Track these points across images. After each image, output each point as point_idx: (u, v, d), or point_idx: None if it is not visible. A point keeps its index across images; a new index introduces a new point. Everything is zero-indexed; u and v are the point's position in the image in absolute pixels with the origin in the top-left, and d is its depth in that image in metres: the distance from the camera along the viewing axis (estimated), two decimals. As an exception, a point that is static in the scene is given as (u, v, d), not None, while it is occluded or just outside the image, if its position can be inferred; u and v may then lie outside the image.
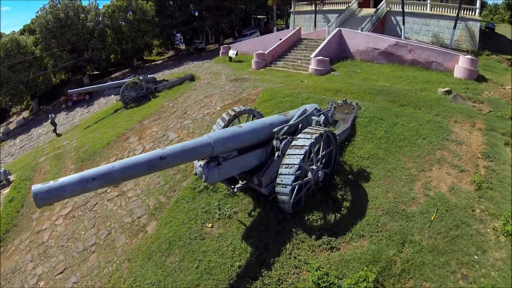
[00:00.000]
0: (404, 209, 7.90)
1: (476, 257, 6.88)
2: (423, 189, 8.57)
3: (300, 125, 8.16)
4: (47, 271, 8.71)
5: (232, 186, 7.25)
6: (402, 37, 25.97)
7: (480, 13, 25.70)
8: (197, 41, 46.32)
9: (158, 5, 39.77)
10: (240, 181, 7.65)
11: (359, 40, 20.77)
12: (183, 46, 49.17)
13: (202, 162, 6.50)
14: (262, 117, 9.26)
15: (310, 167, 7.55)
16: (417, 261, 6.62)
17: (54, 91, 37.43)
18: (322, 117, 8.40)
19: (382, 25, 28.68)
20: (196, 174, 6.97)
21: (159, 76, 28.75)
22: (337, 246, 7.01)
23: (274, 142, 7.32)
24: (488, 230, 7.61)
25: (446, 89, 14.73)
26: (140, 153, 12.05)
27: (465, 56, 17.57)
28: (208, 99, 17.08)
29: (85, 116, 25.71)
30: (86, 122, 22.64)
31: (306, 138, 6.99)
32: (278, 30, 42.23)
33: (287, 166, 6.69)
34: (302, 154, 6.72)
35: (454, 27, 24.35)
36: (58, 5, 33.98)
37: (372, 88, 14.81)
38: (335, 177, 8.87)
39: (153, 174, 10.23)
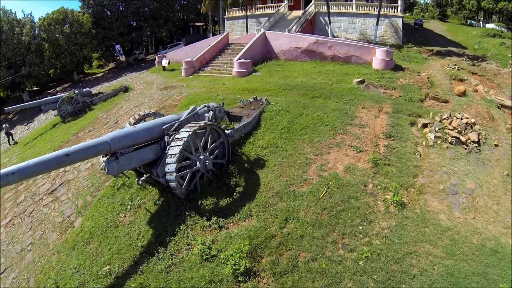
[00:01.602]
0: (294, 190, 8.37)
1: (360, 227, 7.36)
2: (317, 171, 9.05)
3: (190, 120, 8.86)
4: (-10, 273, 9.47)
5: (137, 179, 8.53)
6: (330, 35, 27.63)
7: (403, 10, 28.10)
8: (137, 52, 47.03)
9: (95, 17, 39.75)
10: (144, 174, 8.73)
11: (282, 40, 21.78)
12: (123, 58, 49.46)
13: (105, 157, 7.67)
14: None
15: (199, 157, 8.26)
16: (297, 234, 7.15)
17: None
18: (211, 113, 9.19)
19: (311, 25, 30.31)
20: (102, 169, 8.10)
21: (96, 89, 29.01)
22: (226, 226, 7.75)
23: (166, 137, 8.27)
24: (378, 202, 8.18)
25: (359, 79, 15.80)
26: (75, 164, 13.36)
27: (381, 48, 19.00)
28: (137, 108, 18.07)
29: (25, 133, 26.15)
30: (26, 138, 23.30)
31: (186, 131, 7.87)
32: (214, 35, 43.33)
33: (171, 156, 7.65)
34: (181, 145, 7.57)
35: (377, 23, 26.42)
36: None
37: (288, 84, 15.57)
38: (231, 166, 9.16)
39: (82, 178, 12.37)
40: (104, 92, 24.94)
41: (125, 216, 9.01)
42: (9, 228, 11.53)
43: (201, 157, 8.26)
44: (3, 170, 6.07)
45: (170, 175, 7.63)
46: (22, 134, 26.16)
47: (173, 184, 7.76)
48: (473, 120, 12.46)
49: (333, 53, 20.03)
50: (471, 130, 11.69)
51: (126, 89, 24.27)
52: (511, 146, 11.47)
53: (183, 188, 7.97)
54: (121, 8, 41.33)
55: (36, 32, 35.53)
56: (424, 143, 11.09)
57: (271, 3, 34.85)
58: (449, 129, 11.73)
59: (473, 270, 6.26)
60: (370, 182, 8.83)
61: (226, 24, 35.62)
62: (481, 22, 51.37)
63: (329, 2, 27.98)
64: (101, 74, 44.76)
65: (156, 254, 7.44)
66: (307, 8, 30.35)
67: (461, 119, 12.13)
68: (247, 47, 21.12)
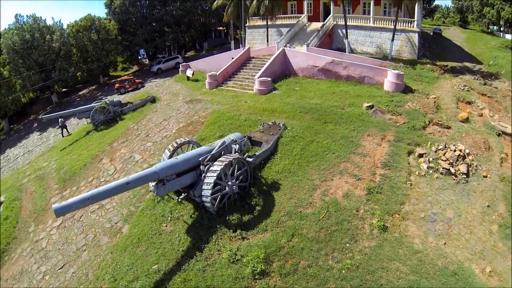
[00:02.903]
0: (300, 211, 10.96)
1: (347, 245, 9.90)
2: (321, 196, 11.57)
3: (222, 153, 11.60)
4: (50, 268, 12.02)
5: (177, 197, 11.44)
6: (347, 49, 29.69)
7: (420, 25, 29.80)
8: (160, 56, 50.45)
9: (120, 24, 43.01)
10: (183, 193, 11.53)
11: (300, 58, 24.15)
12: (146, 61, 53.34)
13: (153, 183, 10.20)
14: (199, 145, 12.80)
15: (227, 183, 10.87)
16: (299, 247, 9.80)
17: (23, 109, 40.13)
18: (237, 146, 11.85)
19: (329, 38, 32.46)
20: (151, 191, 10.66)
21: (124, 98, 31.57)
22: (247, 237, 10.42)
23: (201, 167, 10.95)
24: (365, 225, 10.64)
25: (369, 104, 18.03)
26: (112, 173, 17.33)
27: (393, 71, 21.00)
28: (166, 121, 20.84)
29: (58, 137, 28.35)
30: (61, 143, 25.53)
31: (219, 165, 10.54)
32: (235, 40, 45.77)
33: (207, 184, 10.31)
34: (215, 176, 10.24)
35: (392, 39, 28.28)
36: (23, 23, 36.27)
37: (304, 106, 17.97)
38: (252, 188, 11.76)
39: None
40: (133, 101, 27.59)
41: (166, 226, 11.60)
42: (61, 230, 13.96)
43: (230, 183, 10.90)
44: (80, 196, 8.62)
45: (205, 198, 10.27)
46: (56, 139, 28.71)
47: (207, 204, 10.40)
48: (467, 151, 14.55)
49: (348, 73, 22.26)
50: (462, 162, 13.81)
51: (153, 100, 26.87)
52: (499, 177, 13.53)
53: (215, 207, 10.60)
54: (145, 15, 44.45)
55: (65, 38, 38.74)
56: (417, 172, 13.35)
57: (291, 13, 37.06)
58: (442, 160, 13.91)
59: (431, 286, 8.67)
60: (362, 208, 11.26)
61: (247, 32, 38.12)
62: (501, 33, 52.09)
63: (346, 15, 29.95)
64: (125, 77, 47.75)
65: (194, 257, 10.04)
66: (325, 21, 32.41)
67: (454, 150, 14.26)
68: (268, 64, 23.57)
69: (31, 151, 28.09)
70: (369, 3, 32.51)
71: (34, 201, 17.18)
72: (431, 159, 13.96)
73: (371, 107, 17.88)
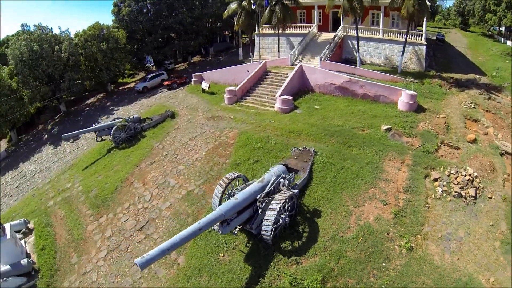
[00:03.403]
0: (342, 236, 13.43)
1: (383, 264, 12.45)
2: (356, 221, 14.09)
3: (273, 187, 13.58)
4: (111, 303, 13.09)
5: (234, 231, 12.73)
6: (358, 62, 32.01)
7: (426, 38, 32.22)
8: (167, 62, 51.87)
9: (129, 31, 44.32)
10: (238, 226, 12.90)
11: (318, 75, 26.46)
12: (152, 66, 55.09)
13: (218, 223, 11.59)
14: (247, 180, 14.79)
15: (281, 216, 13.01)
16: (346, 268, 12.30)
17: (31, 119, 41.16)
18: (286, 182, 13.90)
19: (340, 49, 34.85)
20: (214, 230, 12.09)
21: (136, 105, 33.39)
22: (300, 262, 12.59)
23: (258, 204, 12.86)
24: (395, 246, 13.22)
25: (387, 126, 20.49)
26: (149, 200, 17.83)
27: (407, 91, 23.38)
28: (193, 141, 22.39)
29: (76, 153, 28.91)
30: (82, 161, 26.08)
31: (277, 203, 12.46)
32: (243, 45, 47.74)
33: (267, 221, 12.25)
34: (275, 214, 12.25)
35: (402, 54, 30.72)
36: (30, 29, 37.46)
37: (328, 129, 20.41)
38: (298, 216, 14.15)
39: (166, 217, 16.16)
40: (152, 117, 28.60)
41: (224, 256, 12.99)
42: (110, 261, 14.41)
43: (283, 215, 13.00)
44: (160, 248, 9.47)
45: (265, 232, 12.04)
46: (73, 155, 29.05)
47: (267, 237, 12.16)
48: (475, 174, 17.19)
49: (364, 92, 24.68)
50: (471, 186, 16.46)
51: (173, 115, 28.15)
52: (501, 197, 16.18)
53: (271, 238, 12.54)
54: (154, 22, 45.79)
55: (74, 48, 39.50)
56: (433, 195, 15.96)
57: (300, 22, 39.11)
58: (454, 184, 16.52)
59: (450, 295, 11.39)
60: (391, 231, 13.83)
61: (256, 40, 40.06)
62: (502, 38, 55.11)
63: (358, 26, 32.17)
64: (132, 84, 49.34)
65: (259, 283, 11.74)
66: (336, 32, 34.67)
67: (465, 175, 16.86)
68: (287, 82, 25.76)
69: (48, 168, 28.32)
70: (378, 14, 34.82)
71: (68, 228, 17.53)
72: (444, 183, 16.56)
73: (389, 129, 20.34)
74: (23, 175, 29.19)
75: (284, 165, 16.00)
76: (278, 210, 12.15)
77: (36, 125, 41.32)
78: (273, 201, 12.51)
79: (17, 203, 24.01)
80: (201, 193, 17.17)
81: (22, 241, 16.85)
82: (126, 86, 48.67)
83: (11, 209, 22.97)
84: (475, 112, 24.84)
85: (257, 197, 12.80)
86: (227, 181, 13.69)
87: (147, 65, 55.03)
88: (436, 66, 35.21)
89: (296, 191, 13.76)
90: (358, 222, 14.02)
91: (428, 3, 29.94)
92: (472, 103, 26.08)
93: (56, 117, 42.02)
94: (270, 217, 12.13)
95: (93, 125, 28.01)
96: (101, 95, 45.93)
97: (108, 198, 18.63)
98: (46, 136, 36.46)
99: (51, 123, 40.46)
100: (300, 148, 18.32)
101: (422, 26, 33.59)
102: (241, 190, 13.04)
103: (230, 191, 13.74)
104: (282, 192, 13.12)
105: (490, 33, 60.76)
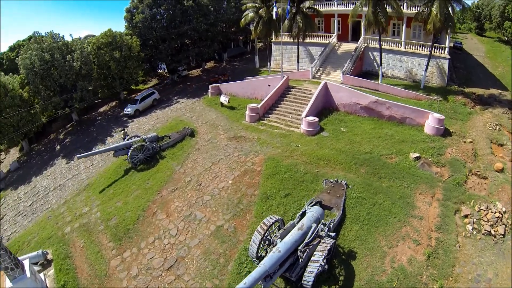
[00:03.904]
0: (377, 279, 14.45)
1: None
2: (390, 262, 15.10)
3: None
4: None
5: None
6: (380, 78, 32.52)
7: (448, 52, 32.65)
8: (180, 69, 52.28)
9: (141, 38, 44.46)
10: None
11: (343, 94, 27.17)
12: (166, 73, 55.35)
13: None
14: (284, 223, 15.43)
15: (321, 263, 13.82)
16: None
17: (43, 128, 41.35)
18: (326, 228, 14.60)
19: (360, 61, 35.39)
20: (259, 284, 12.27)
21: (156, 127, 32.95)
22: None
23: (299, 253, 13.54)
24: (429, 290, 14.10)
25: (416, 155, 21.35)
26: (175, 235, 17.76)
27: (434, 114, 24.00)
28: (217, 166, 22.76)
29: (91, 171, 28.74)
30: (98, 182, 26.08)
31: (319, 255, 13.11)
32: (258, 50, 48.14)
33: (310, 273, 12.86)
34: (318, 266, 12.88)
35: (426, 69, 31.22)
36: (39, 34, 37.72)
37: (357, 157, 21.32)
38: (334, 259, 15.00)
39: (197, 256, 16.24)
40: (170, 134, 28.72)
41: None
42: None
43: (322, 263, 13.44)
44: None
45: (307, 283, 12.45)
46: (88, 172, 28.74)
47: (307, 287, 12.61)
48: (504, 210, 18.05)
49: (390, 114, 25.43)
50: (500, 223, 17.32)
51: (192, 133, 28.14)
52: None
53: (311, 284, 13.17)
54: (168, 29, 45.99)
55: (86, 56, 39.40)
56: (463, 233, 16.87)
57: (319, 30, 39.51)
58: (484, 221, 17.40)
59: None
60: (424, 274, 14.81)
61: (273, 48, 40.56)
62: None
63: (381, 40, 32.63)
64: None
65: None
66: (357, 44, 35.13)
67: (495, 212, 17.72)
68: (312, 101, 26.44)
69: (63, 186, 28.01)
70: (399, 24, 35.24)
71: (89, 261, 17.41)
72: (475, 219, 17.45)
73: (418, 158, 21.15)
74: (36, 192, 29.05)
75: (318, 202, 16.90)
76: (320, 262, 12.85)
77: (48, 134, 41.68)
78: (315, 253, 13.24)
79: (31, 224, 24.02)
80: (231, 229, 17.34)
81: (41, 275, 16.60)
82: (139, 94, 48.76)
83: (26, 231, 23.13)
84: (500, 135, 25.59)
85: (299, 247, 13.50)
86: (265, 227, 13.96)
87: (159, 71, 55.52)
88: (457, 80, 35.80)
89: (333, 234, 14.61)
90: (392, 264, 14.95)
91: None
92: (497, 125, 26.84)
93: (68, 125, 42.43)
94: (313, 269, 12.80)
95: (105, 141, 27.87)
96: (114, 103, 46.30)
97: (130, 230, 18.78)
98: (59, 147, 36.66)
99: (63, 133, 40.91)
100: (331, 180, 19.18)
101: (441, 35, 34.01)
102: (280, 238, 13.64)
103: (266, 235, 14.12)
104: (323, 242, 13.81)
105: (506, 38, 61.02)
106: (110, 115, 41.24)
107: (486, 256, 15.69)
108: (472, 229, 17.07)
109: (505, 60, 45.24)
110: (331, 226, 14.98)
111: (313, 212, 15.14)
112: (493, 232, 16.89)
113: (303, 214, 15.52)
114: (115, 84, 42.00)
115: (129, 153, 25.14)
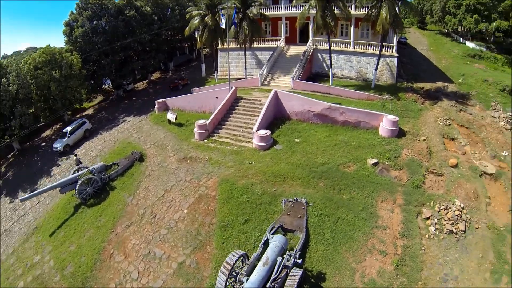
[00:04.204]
0: (349, 298, 14.46)
1: None
2: (360, 278, 15.33)
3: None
4: None
5: None
6: (330, 80, 33.56)
7: (396, 50, 34.45)
8: (126, 83, 51.09)
9: (83, 53, 42.76)
10: None
11: (295, 102, 27.36)
12: (111, 89, 53.81)
13: None
14: (248, 257, 14.94)
15: None
16: None
17: None
18: (292, 259, 14.37)
19: (310, 63, 36.15)
20: None
21: (97, 140, 32.40)
22: None
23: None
24: (400, 299, 14.58)
25: (374, 161, 21.90)
26: (137, 277, 17.16)
27: (388, 117, 24.73)
28: (169, 194, 22.01)
29: (38, 210, 26.98)
30: (46, 223, 24.45)
31: None
32: (205, 57, 48.00)
33: None
34: None
35: (376, 69, 32.65)
36: None
37: (314, 170, 21.40)
38: (304, 286, 14.99)
39: None
40: (118, 161, 27.54)
41: None
42: None
43: None
44: None
45: None
46: (35, 212, 26.91)
47: None
48: (462, 205, 19.13)
49: (344, 119, 25.97)
50: (460, 220, 18.33)
51: (141, 158, 27.23)
52: (487, 226, 18.27)
53: None
54: (110, 42, 44.62)
55: (23, 79, 36.76)
56: (427, 235, 17.61)
57: (266, 34, 40.10)
58: (445, 220, 18.29)
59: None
60: (395, 283, 15.16)
61: (220, 55, 40.45)
62: (460, 38, 60.85)
63: (326, 40, 33.62)
64: (91, 110, 48.27)
65: None
66: (306, 46, 35.94)
67: (454, 210, 18.77)
68: (263, 113, 26.21)
69: (9, 231, 25.95)
70: (348, 25, 36.67)
71: None
72: (436, 220, 18.31)
73: (376, 163, 21.82)
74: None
75: (281, 227, 16.84)
76: None
77: (-16, 170, 38.15)
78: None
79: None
80: (194, 265, 16.91)
81: None
82: (84, 113, 47.57)
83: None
84: (451, 129, 27.16)
85: (267, 285, 13.17)
86: (229, 267, 13.56)
87: (104, 87, 53.72)
88: (405, 75, 37.58)
89: (300, 261, 14.46)
90: (362, 280, 15.12)
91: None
92: (447, 119, 28.43)
93: (10, 156, 39.43)
94: None
95: (51, 172, 26.34)
96: (58, 126, 44.10)
97: (89, 278, 17.94)
98: (0, 182, 34.12)
99: (5, 165, 37.90)
100: (290, 199, 18.96)
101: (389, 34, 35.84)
102: (247, 275, 13.44)
103: (232, 271, 13.76)
104: (291, 274, 13.58)
105: (446, 31, 66.54)
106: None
107: (451, 255, 16.51)
108: (434, 230, 17.85)
109: (447, 52, 48.76)
110: (297, 255, 14.76)
111: (275, 242, 14.71)
112: (454, 230, 17.77)
113: (266, 243, 15.25)
114: (57, 106, 39.67)
115: (76, 188, 23.82)
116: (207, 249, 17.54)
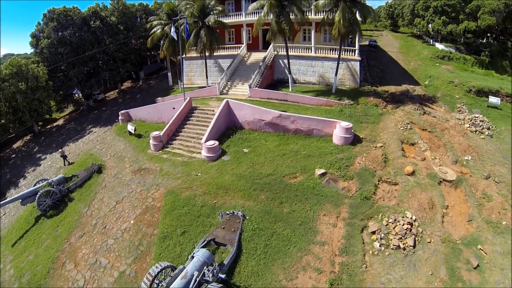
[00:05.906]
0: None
1: None
2: (289, 298, 14.06)
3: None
4: None
5: None
6: (290, 85, 32.67)
7: (359, 54, 33.75)
8: (95, 93, 51.16)
9: (50, 64, 42.62)
10: None
11: (246, 111, 26.43)
12: (81, 99, 53.96)
13: None
14: (175, 268, 14.37)
15: None
16: None
17: None
18: (211, 274, 13.59)
19: (271, 69, 35.30)
20: None
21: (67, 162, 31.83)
22: None
23: None
24: (332, 319, 13.43)
25: (321, 171, 20.86)
26: (82, 285, 17.15)
27: (341, 124, 23.77)
28: (120, 205, 21.83)
29: (3, 222, 27.43)
30: (10, 234, 24.95)
31: None
32: (174, 65, 47.48)
33: None
34: None
35: (336, 74, 31.84)
36: None
37: (257, 182, 20.38)
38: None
39: None
40: (78, 173, 27.76)
41: None
42: None
43: None
44: None
45: None
46: (0, 224, 27.36)
47: None
48: (414, 218, 18.01)
49: (296, 127, 25.02)
50: (409, 234, 17.20)
51: (99, 169, 27.46)
52: (441, 239, 17.14)
53: None
54: (77, 53, 44.56)
55: None
56: (371, 251, 16.47)
57: (230, 41, 39.32)
58: (392, 235, 17.11)
59: None
60: (328, 303, 14.11)
61: (184, 64, 39.55)
62: (431, 39, 61.11)
63: (288, 46, 32.85)
64: (62, 121, 48.05)
65: None
66: (266, 53, 35.12)
67: (403, 224, 17.63)
68: (212, 123, 25.42)
69: None
70: (309, 30, 35.93)
71: None
72: (382, 235, 17.13)
73: (323, 174, 20.78)
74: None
75: (213, 240, 16.02)
76: None
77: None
78: None
79: None
80: (133, 274, 16.83)
81: None
82: (55, 124, 47.60)
83: None
84: (411, 134, 26.21)
85: None
86: (151, 278, 13.55)
87: (75, 97, 53.80)
88: (371, 79, 36.95)
89: (223, 276, 13.77)
90: (293, 299, 14.15)
91: (359, 18, 31.34)
92: (408, 123, 27.48)
93: None
94: None
95: (18, 184, 28.09)
96: (28, 137, 44.47)
97: (42, 285, 18.16)
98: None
99: None
100: (228, 212, 18.03)
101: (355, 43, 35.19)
102: (166, 287, 13.08)
103: (156, 282, 13.69)
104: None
105: (418, 33, 67.13)
106: (24, 152, 38.90)
107: (395, 272, 15.30)
108: (380, 246, 16.72)
109: (417, 54, 48.39)
110: (223, 268, 14.20)
111: (198, 256, 14.19)
112: (402, 246, 16.64)
113: (194, 257, 14.61)
114: (26, 117, 39.78)
115: (36, 200, 24.44)
116: (146, 259, 17.37)
